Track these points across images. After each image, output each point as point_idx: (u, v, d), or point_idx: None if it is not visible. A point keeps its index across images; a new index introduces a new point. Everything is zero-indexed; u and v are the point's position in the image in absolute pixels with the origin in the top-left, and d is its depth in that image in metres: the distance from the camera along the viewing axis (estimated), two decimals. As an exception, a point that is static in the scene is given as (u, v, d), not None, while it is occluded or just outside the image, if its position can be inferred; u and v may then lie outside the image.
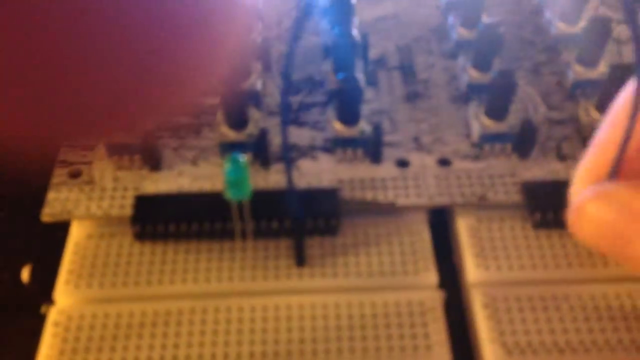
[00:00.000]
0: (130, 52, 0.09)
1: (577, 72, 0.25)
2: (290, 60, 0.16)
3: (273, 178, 0.23)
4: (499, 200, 0.22)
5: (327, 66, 0.26)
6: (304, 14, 0.16)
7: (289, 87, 0.24)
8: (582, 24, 0.26)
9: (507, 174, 0.23)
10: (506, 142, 0.23)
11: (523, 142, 0.23)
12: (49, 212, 0.22)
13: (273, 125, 0.25)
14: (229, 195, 0.19)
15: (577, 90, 0.25)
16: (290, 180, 0.19)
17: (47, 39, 0.08)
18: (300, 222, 0.21)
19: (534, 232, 0.22)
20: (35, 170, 0.25)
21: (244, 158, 0.18)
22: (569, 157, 0.23)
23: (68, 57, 0.08)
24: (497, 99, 0.22)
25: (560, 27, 0.27)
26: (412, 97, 0.26)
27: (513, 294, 0.20)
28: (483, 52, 0.24)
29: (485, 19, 0.26)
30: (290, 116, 0.25)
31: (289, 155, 0.20)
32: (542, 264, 0.21)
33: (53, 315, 0.21)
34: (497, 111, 0.23)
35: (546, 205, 0.21)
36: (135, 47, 0.09)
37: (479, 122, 0.23)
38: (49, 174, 0.23)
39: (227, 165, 0.18)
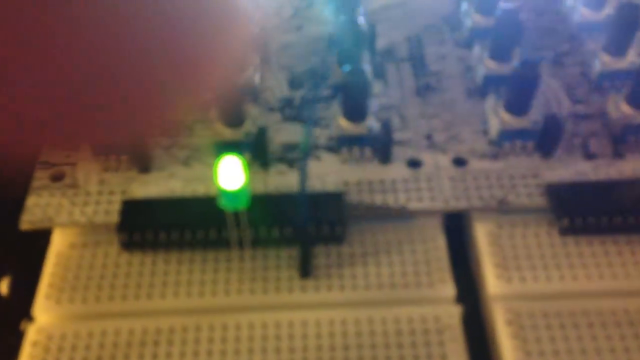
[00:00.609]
0: (119, 52, 0.08)
1: (604, 62, 0.23)
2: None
3: (273, 180, 0.21)
4: (521, 203, 0.20)
5: (331, 58, 0.24)
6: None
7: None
8: (608, 10, 0.24)
9: (530, 174, 0.21)
10: (528, 140, 0.21)
11: (546, 139, 0.21)
12: (29, 220, 0.20)
13: (272, 122, 0.23)
14: (225, 206, 0.17)
15: (604, 82, 0.23)
16: (302, 186, 0.17)
17: (34, 42, 0.08)
18: (307, 230, 0.19)
19: (560, 239, 0.20)
20: (14, 172, 0.23)
21: (241, 163, 0.16)
22: (597, 156, 0.21)
23: (54, 58, 0.08)
24: (519, 93, 0.20)
25: (584, 13, 0.24)
26: (423, 91, 0.24)
27: (539, 309, 0.18)
28: (501, 41, 0.22)
29: (502, 4, 0.24)
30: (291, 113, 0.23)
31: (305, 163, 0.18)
32: (570, 275, 0.19)
33: (32, 334, 0.19)
34: (518, 106, 0.21)
35: (574, 209, 0.20)
36: (124, 47, 0.08)
37: (498, 117, 0.21)
38: (29, 177, 0.22)
39: (221, 173, 0.16)
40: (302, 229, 0.19)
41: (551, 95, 0.23)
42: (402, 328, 0.18)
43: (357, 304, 0.19)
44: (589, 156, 0.21)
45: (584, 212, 0.19)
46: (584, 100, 0.23)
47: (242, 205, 0.17)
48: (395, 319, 0.19)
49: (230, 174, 0.17)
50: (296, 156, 0.22)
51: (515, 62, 0.22)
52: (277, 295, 0.19)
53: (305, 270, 0.19)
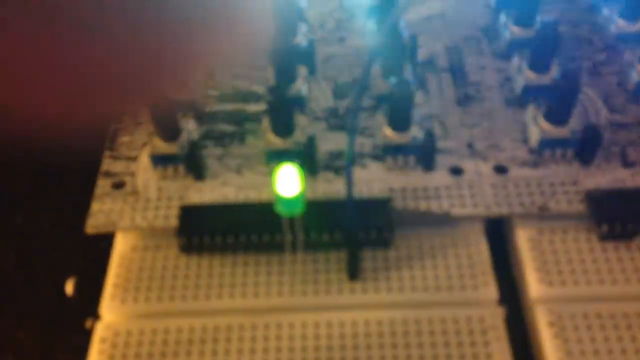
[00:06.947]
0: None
1: (642, 72, 0.23)
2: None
3: (321, 187, 0.22)
4: (562, 210, 0.21)
5: (374, 69, 0.25)
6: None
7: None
8: (645, 21, 0.25)
9: (569, 182, 0.22)
10: (567, 148, 0.22)
11: (585, 147, 0.22)
12: (93, 224, 0.22)
13: (319, 130, 0.24)
14: (282, 211, 0.18)
15: (642, 92, 0.23)
16: (350, 192, 0.18)
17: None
18: (355, 235, 0.20)
19: (600, 245, 0.20)
20: (77, 180, 0.24)
21: (297, 172, 0.17)
22: (635, 164, 0.22)
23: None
24: (560, 102, 0.21)
25: (620, 24, 0.25)
26: (463, 101, 0.24)
27: (580, 311, 0.19)
28: (540, 52, 0.23)
29: (541, 17, 0.25)
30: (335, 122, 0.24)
31: (350, 171, 0.19)
32: (610, 279, 0.20)
33: (100, 331, 0.20)
34: (558, 115, 0.22)
35: (613, 215, 0.20)
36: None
37: (538, 126, 0.22)
38: (92, 185, 0.23)
39: (279, 181, 0.17)
40: (351, 233, 0.20)
41: (589, 105, 0.24)
42: (447, 328, 0.19)
43: (404, 305, 0.20)
44: (627, 164, 0.22)
45: (623, 218, 0.20)
46: (622, 110, 0.23)
47: (298, 211, 0.19)
48: (441, 319, 0.20)
49: (288, 182, 0.18)
50: (342, 164, 0.23)
51: (554, 73, 0.23)
52: (327, 297, 0.20)
53: (353, 273, 0.20)
